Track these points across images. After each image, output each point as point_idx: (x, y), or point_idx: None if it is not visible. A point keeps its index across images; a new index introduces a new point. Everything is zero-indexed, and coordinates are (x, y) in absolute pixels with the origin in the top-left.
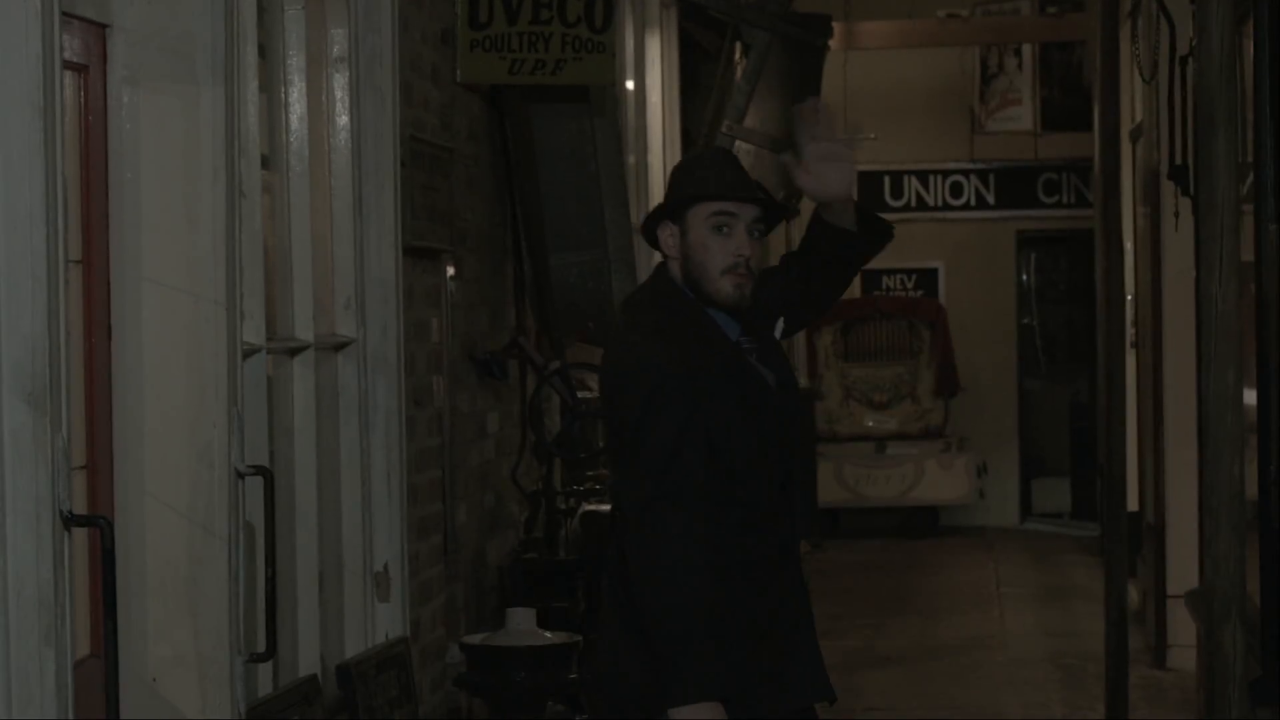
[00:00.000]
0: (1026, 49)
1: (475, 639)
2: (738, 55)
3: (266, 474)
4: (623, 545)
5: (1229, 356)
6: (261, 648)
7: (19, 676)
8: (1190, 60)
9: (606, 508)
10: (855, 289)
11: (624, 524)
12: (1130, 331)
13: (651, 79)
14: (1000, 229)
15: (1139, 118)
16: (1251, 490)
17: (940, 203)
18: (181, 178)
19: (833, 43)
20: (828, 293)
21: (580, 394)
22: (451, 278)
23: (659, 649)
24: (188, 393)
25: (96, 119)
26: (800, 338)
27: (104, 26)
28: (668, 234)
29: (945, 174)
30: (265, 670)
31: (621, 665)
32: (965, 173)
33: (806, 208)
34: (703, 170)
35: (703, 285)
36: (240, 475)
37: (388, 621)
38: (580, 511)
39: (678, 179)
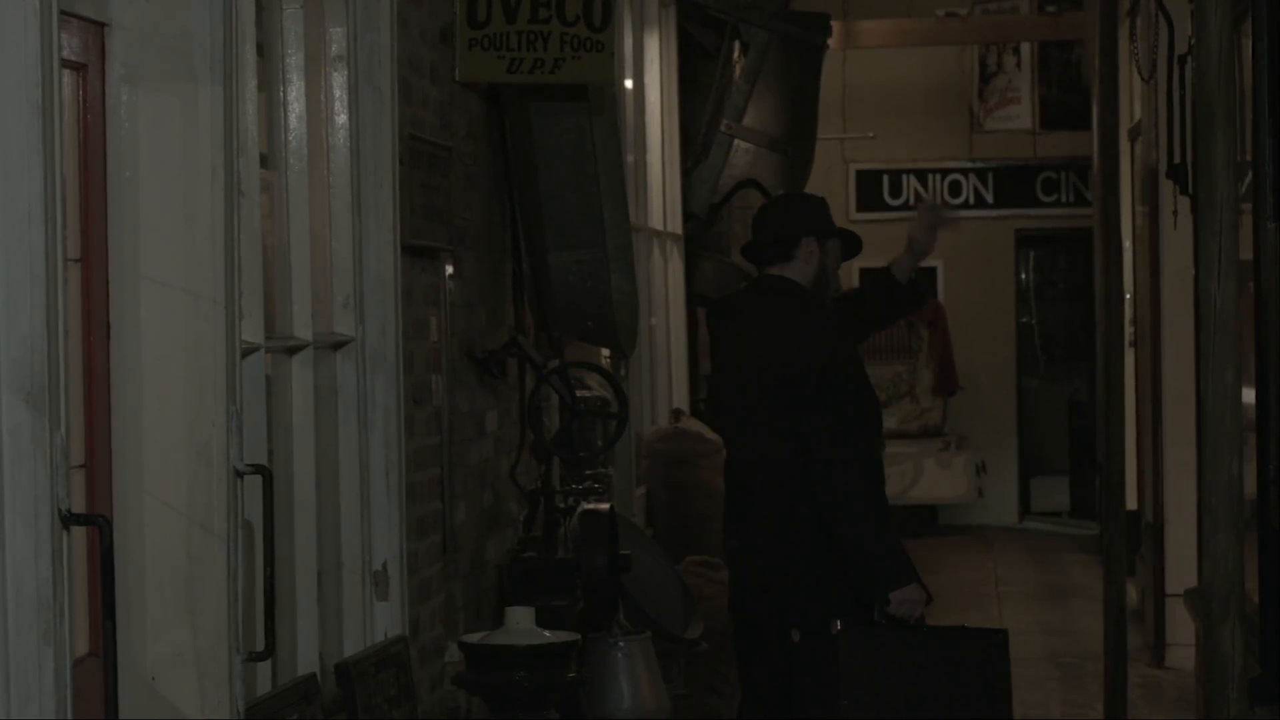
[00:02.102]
0: (1025, 48)
1: (474, 638)
2: (737, 54)
3: (265, 472)
4: (811, 474)
5: (1228, 355)
6: (260, 646)
7: (18, 675)
8: (1189, 59)
9: (605, 506)
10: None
11: (811, 453)
12: (1129, 330)
13: (650, 78)
14: (999, 228)
15: (1138, 117)
16: (1250, 489)
17: (939, 201)
18: (180, 176)
19: (831, 41)
20: (865, 330)
21: (579, 393)
22: (450, 276)
23: (863, 548)
24: (186, 391)
25: (95, 118)
26: None
27: (103, 25)
28: (810, 246)
29: (944, 173)
30: (264, 669)
31: (797, 577)
32: (964, 171)
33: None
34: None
35: (823, 287)
36: (239, 474)
37: (386, 620)
38: (579, 510)
39: (823, 210)
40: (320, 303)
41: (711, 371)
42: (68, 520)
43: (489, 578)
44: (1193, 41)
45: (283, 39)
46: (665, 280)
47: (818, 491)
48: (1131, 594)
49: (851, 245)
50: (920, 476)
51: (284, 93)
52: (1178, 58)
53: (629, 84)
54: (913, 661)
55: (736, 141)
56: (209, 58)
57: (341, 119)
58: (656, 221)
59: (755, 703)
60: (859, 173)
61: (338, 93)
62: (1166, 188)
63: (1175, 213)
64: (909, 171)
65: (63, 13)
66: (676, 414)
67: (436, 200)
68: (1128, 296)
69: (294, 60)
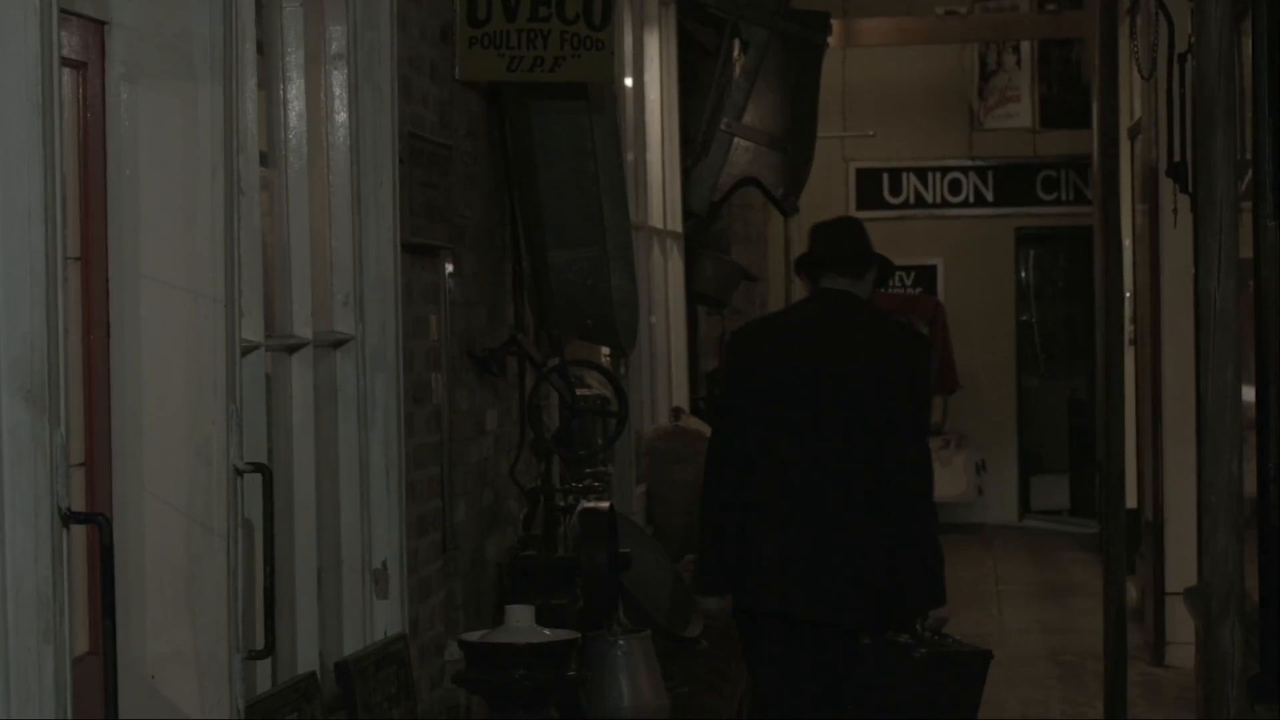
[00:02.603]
0: (1025, 46)
1: (474, 636)
2: (736, 52)
3: (265, 471)
4: (906, 486)
5: (1227, 354)
6: (260, 645)
7: (17, 674)
8: (1189, 57)
9: (605, 505)
10: None
11: (908, 467)
12: (1129, 329)
13: (650, 76)
14: (999, 226)
15: (1138, 115)
16: (1250, 487)
17: (939, 200)
18: (180, 175)
19: (831, 39)
20: None
21: (579, 391)
22: (450, 275)
23: (935, 563)
24: (186, 390)
25: (95, 116)
26: None
27: (102, 23)
28: (873, 270)
29: (944, 171)
30: (264, 667)
31: (883, 582)
32: (964, 170)
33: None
34: None
35: None
36: (239, 472)
37: (386, 619)
38: (579, 508)
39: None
40: (320, 301)
41: (748, 378)
42: (67, 519)
43: (489, 576)
44: (1193, 40)
45: (282, 37)
46: (665, 278)
47: (916, 500)
48: (1131, 592)
49: (885, 271)
50: None
51: (284, 91)
52: (1178, 56)
53: (629, 82)
54: (901, 672)
55: (736, 140)
56: (209, 56)
57: (341, 117)
58: (656, 220)
59: (760, 701)
60: (859, 171)
61: (337, 91)
62: (1166, 186)
63: (1175, 211)
64: (909, 170)
65: (63, 11)
66: (676, 412)
67: (436, 199)
68: (1128, 295)
69: (294, 58)
